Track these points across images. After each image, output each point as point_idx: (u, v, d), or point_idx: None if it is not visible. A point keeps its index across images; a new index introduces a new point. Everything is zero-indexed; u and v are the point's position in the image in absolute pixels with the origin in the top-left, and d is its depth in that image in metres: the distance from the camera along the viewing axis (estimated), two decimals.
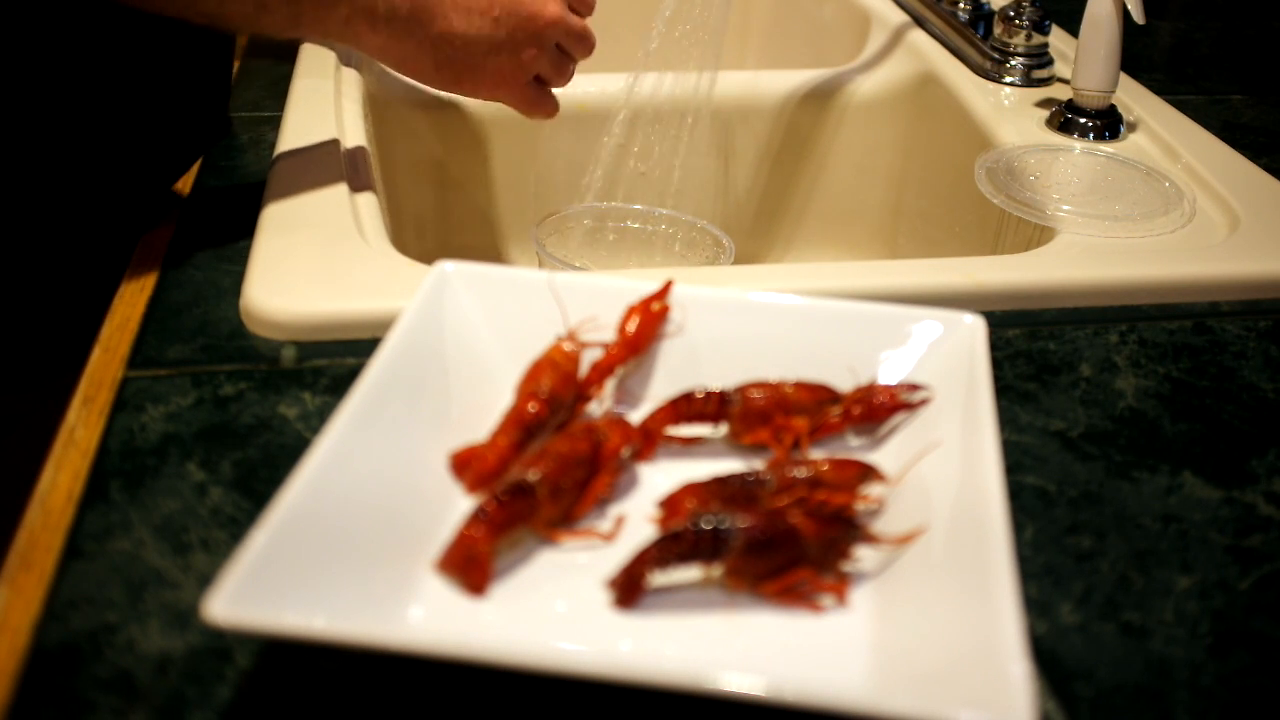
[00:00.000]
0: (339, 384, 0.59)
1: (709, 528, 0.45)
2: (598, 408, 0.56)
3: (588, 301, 0.57)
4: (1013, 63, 0.98)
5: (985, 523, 0.44)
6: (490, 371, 0.56)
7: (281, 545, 0.41)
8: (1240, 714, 0.44)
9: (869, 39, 1.12)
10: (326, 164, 0.78)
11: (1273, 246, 0.73)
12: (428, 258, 0.65)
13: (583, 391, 0.56)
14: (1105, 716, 0.43)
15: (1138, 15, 0.84)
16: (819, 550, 0.46)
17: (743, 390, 0.54)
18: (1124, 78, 0.91)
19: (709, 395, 0.54)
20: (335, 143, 0.81)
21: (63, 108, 0.73)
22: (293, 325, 0.63)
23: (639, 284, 0.58)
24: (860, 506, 0.49)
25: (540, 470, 0.48)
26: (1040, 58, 0.98)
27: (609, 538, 0.49)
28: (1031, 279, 0.69)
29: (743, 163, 1.10)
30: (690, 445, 0.55)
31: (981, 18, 1.04)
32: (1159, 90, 0.96)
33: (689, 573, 0.46)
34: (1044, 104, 0.94)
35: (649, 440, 0.54)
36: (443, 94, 1.00)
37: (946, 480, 0.48)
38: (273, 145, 0.82)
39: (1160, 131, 0.88)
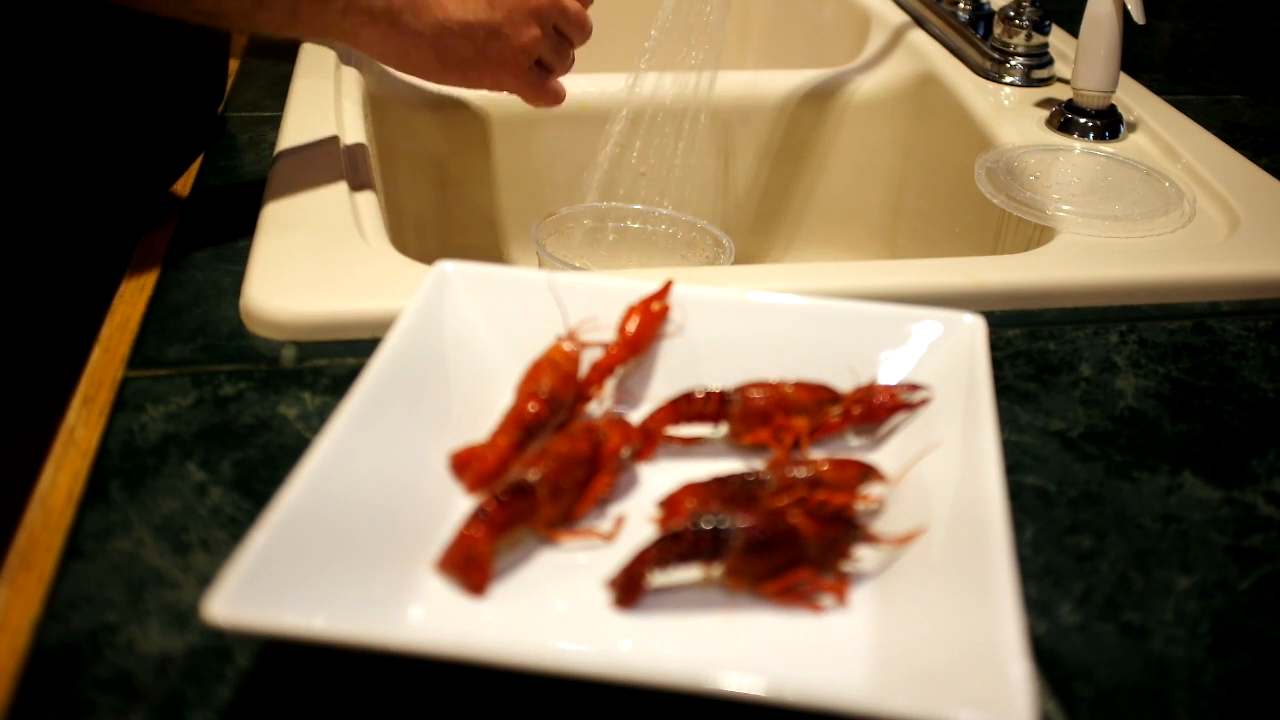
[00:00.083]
0: (339, 384, 0.59)
1: (709, 528, 0.45)
2: (598, 408, 0.56)
3: (588, 301, 0.57)
4: (1013, 63, 0.98)
5: (985, 523, 0.44)
6: (490, 371, 0.56)
7: (281, 545, 0.41)
8: (1240, 714, 0.44)
9: (869, 39, 1.12)
10: (326, 164, 0.78)
11: (1273, 246, 0.73)
12: (428, 258, 0.65)
13: (583, 391, 0.56)
14: (1105, 716, 0.43)
15: (1138, 15, 0.84)
16: (819, 550, 0.46)
17: (743, 390, 0.54)
18: (1124, 78, 0.91)
19: (709, 395, 0.54)
20: (335, 142, 0.81)
21: (59, 109, 0.73)
22: (293, 325, 0.63)
23: (639, 284, 0.58)
24: (860, 506, 0.49)
25: (540, 470, 0.48)
26: (1040, 58, 0.98)
27: (609, 538, 0.49)
28: (1031, 279, 0.69)
29: (743, 163, 1.10)
30: (690, 445, 0.55)
31: (981, 18, 1.04)
32: (1159, 90, 0.96)
33: (689, 573, 0.46)
34: (1044, 104, 0.94)
35: (649, 440, 0.54)
36: (443, 92, 1.01)
37: (946, 480, 0.48)
38: (273, 145, 0.82)
39: (1160, 131, 0.88)
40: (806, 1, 1.29)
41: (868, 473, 0.50)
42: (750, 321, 0.57)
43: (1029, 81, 0.97)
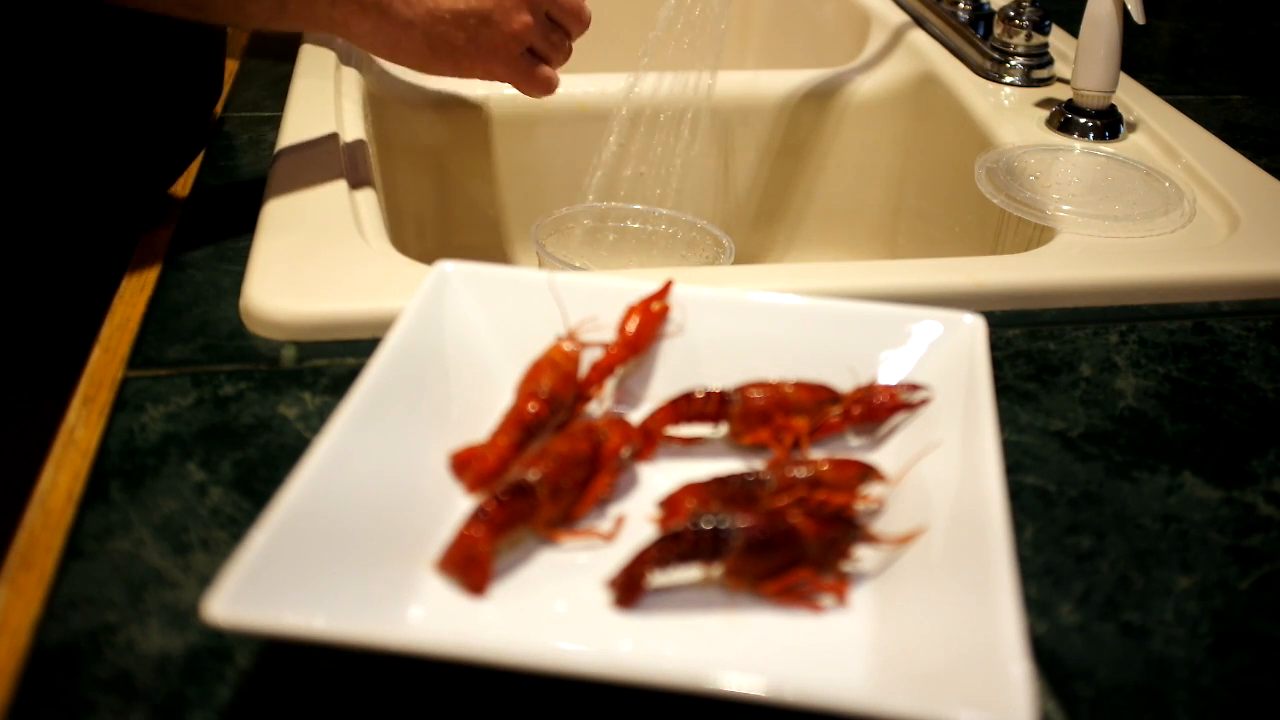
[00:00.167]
0: (339, 384, 0.59)
1: (709, 528, 0.45)
2: (598, 408, 0.56)
3: (588, 301, 0.57)
4: (1013, 63, 0.98)
5: (985, 523, 0.44)
6: (490, 371, 0.56)
7: (281, 545, 0.41)
8: (1240, 714, 0.44)
9: (869, 39, 1.12)
10: (326, 163, 0.78)
11: (1273, 246, 0.73)
12: (428, 258, 0.65)
13: (583, 391, 0.56)
14: (1105, 716, 0.43)
15: (1138, 15, 0.84)
16: (819, 550, 0.46)
17: (743, 390, 0.54)
18: (1124, 78, 0.91)
19: (709, 395, 0.54)
20: (335, 142, 0.81)
21: (56, 109, 0.73)
22: (293, 325, 0.63)
23: (639, 284, 0.58)
24: (860, 506, 0.49)
25: (540, 470, 0.48)
26: (1040, 58, 0.98)
27: (609, 538, 0.49)
28: (1031, 279, 0.69)
29: (743, 163, 1.10)
30: (690, 445, 0.55)
31: (981, 18, 1.04)
32: (1159, 90, 0.96)
33: (689, 573, 0.46)
34: (1044, 104, 0.94)
35: (649, 440, 0.54)
36: (444, 91, 1.01)
37: (946, 480, 0.48)
38: (273, 145, 0.82)
39: (1160, 131, 0.88)
40: (806, 1, 1.29)
41: (868, 473, 0.50)
42: (750, 321, 0.57)
43: (1029, 81, 0.97)
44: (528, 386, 0.54)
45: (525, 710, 0.42)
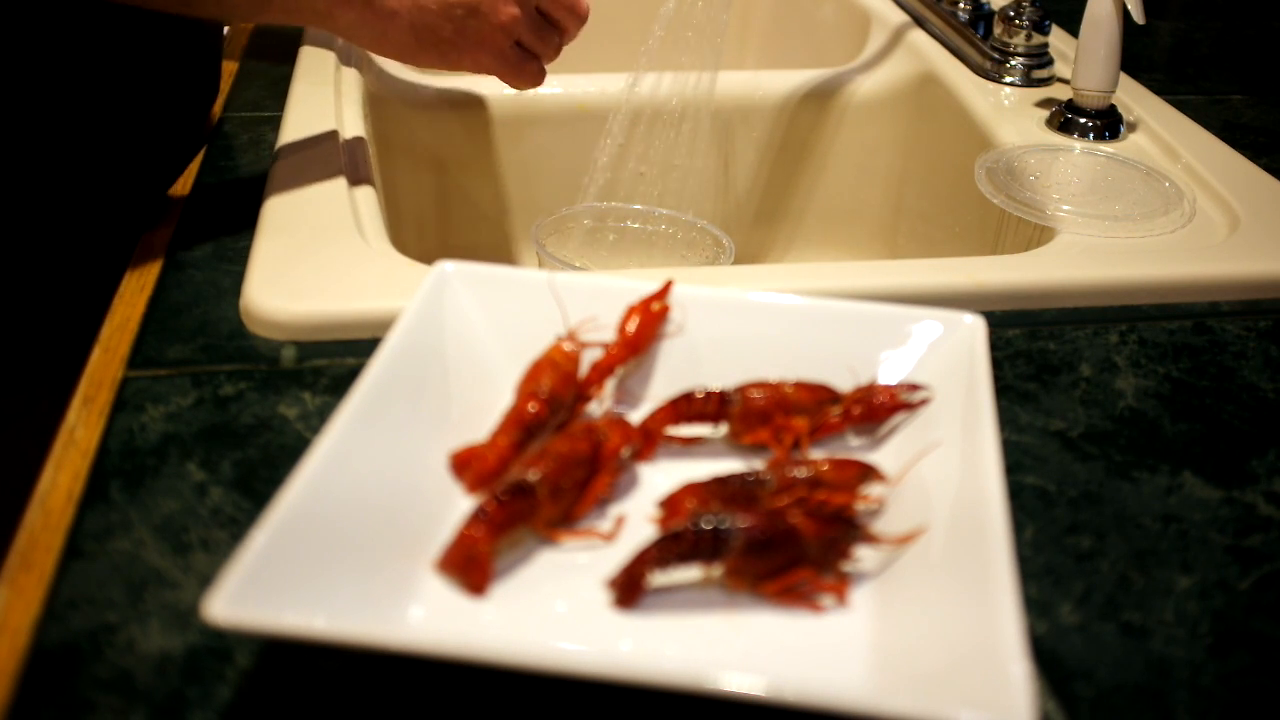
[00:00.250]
0: (339, 384, 0.59)
1: (709, 528, 0.45)
2: (598, 408, 0.56)
3: (588, 301, 0.57)
4: (1013, 63, 0.98)
5: (985, 523, 0.44)
6: (490, 371, 0.56)
7: (282, 545, 0.41)
8: (1240, 714, 0.44)
9: (869, 39, 1.12)
10: (326, 164, 0.78)
11: (1273, 246, 0.73)
12: (428, 258, 0.65)
13: (583, 391, 0.56)
14: (1105, 716, 0.43)
15: (1138, 15, 0.84)
16: (819, 550, 0.46)
17: (743, 390, 0.54)
18: (1124, 78, 0.91)
19: (709, 395, 0.54)
20: (335, 142, 0.81)
21: (54, 110, 0.73)
22: (293, 325, 0.63)
23: (639, 284, 0.58)
24: (860, 506, 0.49)
25: (540, 470, 0.48)
26: (1040, 58, 0.98)
27: (609, 538, 0.49)
28: (1031, 279, 0.69)
29: (743, 163, 1.10)
30: (690, 445, 0.55)
31: (981, 18, 1.04)
32: (1159, 90, 0.96)
33: (689, 573, 0.46)
34: (1044, 104, 0.94)
35: (649, 440, 0.54)
36: (443, 91, 1.01)
37: (946, 480, 0.48)
38: (273, 145, 0.82)
39: (1160, 131, 0.88)
40: (806, 1, 1.29)
41: (868, 473, 0.50)
42: (750, 321, 0.57)
43: (1029, 81, 0.97)
44: (528, 386, 0.54)
45: (525, 710, 0.42)
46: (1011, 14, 0.97)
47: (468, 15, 0.75)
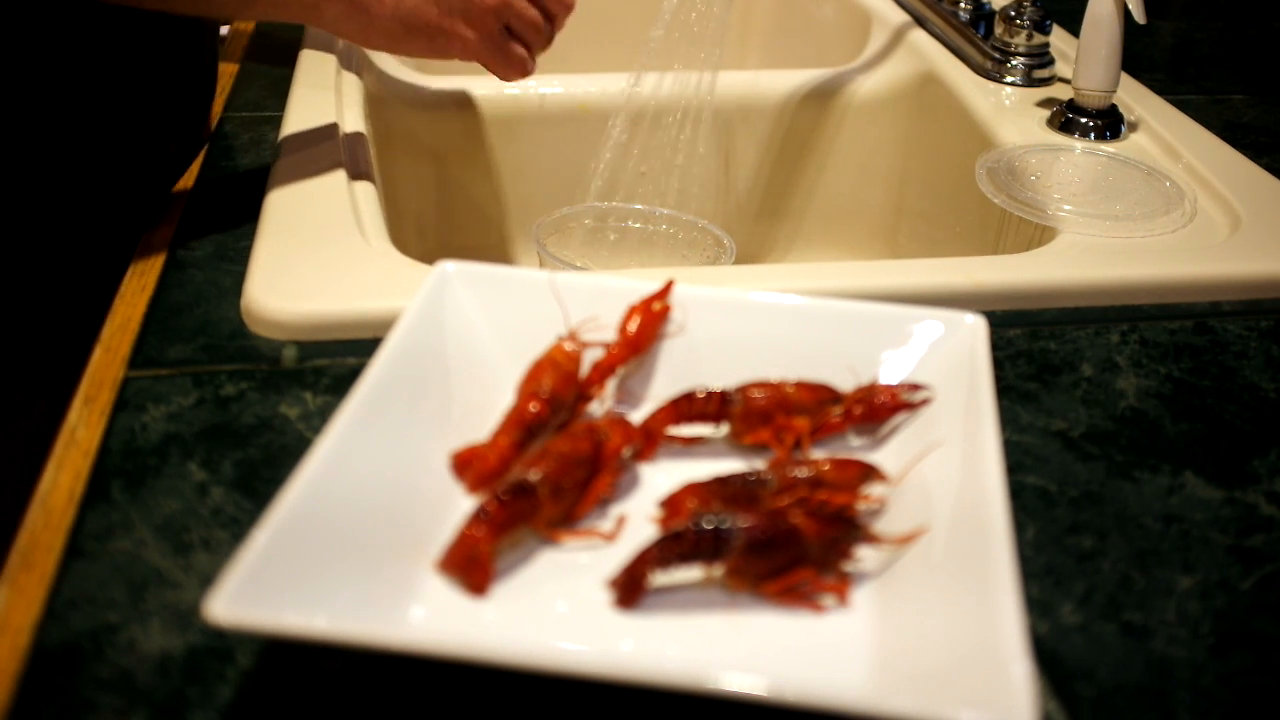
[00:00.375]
0: (340, 384, 0.59)
1: (710, 528, 0.45)
2: (599, 407, 0.56)
3: (589, 301, 0.57)
4: (1014, 62, 0.98)
5: (986, 523, 0.44)
6: (491, 371, 0.56)
7: (283, 545, 0.41)
8: (1242, 714, 0.44)
9: (870, 39, 1.12)
10: (327, 164, 0.78)
11: (1274, 246, 0.73)
12: (428, 258, 0.65)
13: (584, 391, 0.55)
14: (1107, 717, 0.43)
15: (1139, 15, 0.84)
16: (820, 550, 0.46)
17: (744, 390, 0.54)
18: (1125, 77, 0.91)
19: (710, 395, 0.54)
20: (336, 142, 0.81)
21: (53, 111, 0.73)
22: (294, 325, 0.63)
23: (640, 284, 0.58)
24: (861, 506, 0.49)
25: (541, 470, 0.48)
26: (1041, 57, 0.98)
27: (610, 538, 0.49)
28: (1032, 279, 0.69)
29: (744, 162, 1.10)
30: (691, 445, 0.55)
31: (982, 17, 1.04)
32: (1160, 90, 0.96)
33: (690, 573, 0.46)
34: (1045, 104, 0.94)
35: (650, 440, 0.54)
36: (444, 92, 1.01)
37: (948, 480, 0.48)
38: (273, 145, 0.82)
39: (1161, 131, 0.88)
40: (807, 1, 1.29)
41: (869, 473, 0.50)
42: (751, 321, 0.57)
43: (1030, 81, 0.97)
44: (529, 386, 0.54)
45: (526, 710, 0.42)
46: (1012, 14, 0.97)
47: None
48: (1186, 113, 0.92)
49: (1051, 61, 0.98)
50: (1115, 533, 0.52)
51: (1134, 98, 0.93)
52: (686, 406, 0.54)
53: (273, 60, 1.01)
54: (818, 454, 0.53)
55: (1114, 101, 0.89)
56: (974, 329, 0.55)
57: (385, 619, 0.43)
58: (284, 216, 0.72)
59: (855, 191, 1.11)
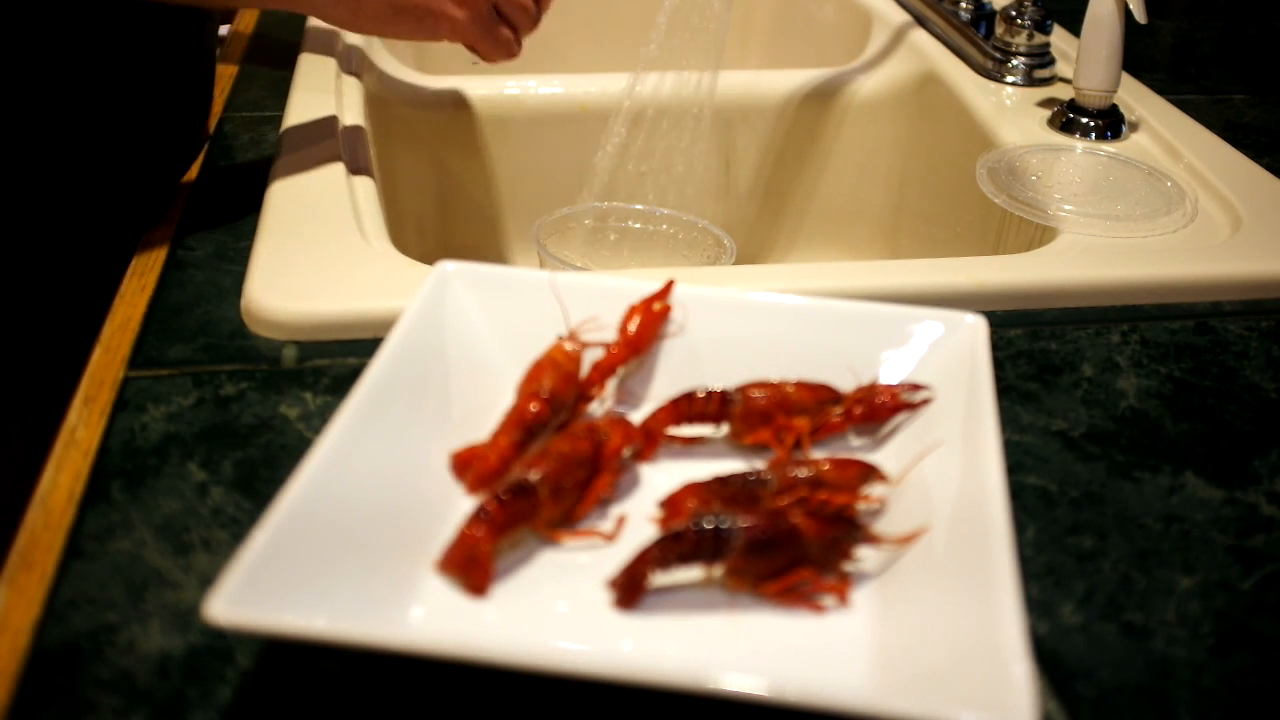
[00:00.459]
0: (340, 384, 0.59)
1: (710, 528, 0.45)
2: (599, 407, 0.56)
3: (589, 301, 0.57)
4: (1014, 62, 0.97)
5: (987, 523, 0.44)
6: (491, 371, 0.56)
7: (282, 545, 0.41)
8: (1242, 714, 0.44)
9: (870, 39, 1.12)
10: (327, 164, 0.78)
11: (1275, 246, 0.73)
12: (428, 258, 0.65)
13: (584, 391, 0.55)
14: (1107, 717, 0.43)
15: (1140, 15, 0.84)
16: (820, 550, 0.46)
17: (744, 390, 0.54)
18: (1126, 77, 0.91)
19: (710, 395, 0.54)
20: (336, 142, 0.81)
21: (52, 112, 0.73)
22: (294, 325, 0.63)
23: (640, 284, 0.58)
24: (862, 506, 0.49)
25: (541, 470, 0.48)
26: (1042, 57, 0.97)
27: (610, 538, 0.49)
28: (1033, 279, 0.69)
29: (744, 163, 1.09)
30: (691, 445, 0.55)
31: (983, 17, 1.04)
32: (1161, 90, 0.96)
33: (690, 573, 0.46)
34: (1046, 104, 0.94)
35: (650, 440, 0.54)
36: (443, 91, 1.01)
37: (948, 480, 0.48)
38: (273, 145, 0.82)
39: (1162, 131, 0.88)
40: (808, 1, 1.29)
41: (869, 473, 0.50)
42: (751, 321, 0.57)
43: (1030, 81, 0.97)
44: (529, 386, 0.54)
45: (526, 710, 0.42)
46: (1013, 13, 0.97)
47: None
48: (1187, 113, 0.92)
49: (1052, 61, 0.98)
50: (1116, 533, 0.52)
51: (1135, 98, 0.93)
52: (686, 406, 0.54)
53: (272, 62, 1.01)
54: (818, 454, 0.53)
55: (1115, 101, 0.89)
56: (974, 329, 0.55)
57: (385, 619, 0.43)
58: (284, 216, 0.72)
59: (856, 191, 1.11)
